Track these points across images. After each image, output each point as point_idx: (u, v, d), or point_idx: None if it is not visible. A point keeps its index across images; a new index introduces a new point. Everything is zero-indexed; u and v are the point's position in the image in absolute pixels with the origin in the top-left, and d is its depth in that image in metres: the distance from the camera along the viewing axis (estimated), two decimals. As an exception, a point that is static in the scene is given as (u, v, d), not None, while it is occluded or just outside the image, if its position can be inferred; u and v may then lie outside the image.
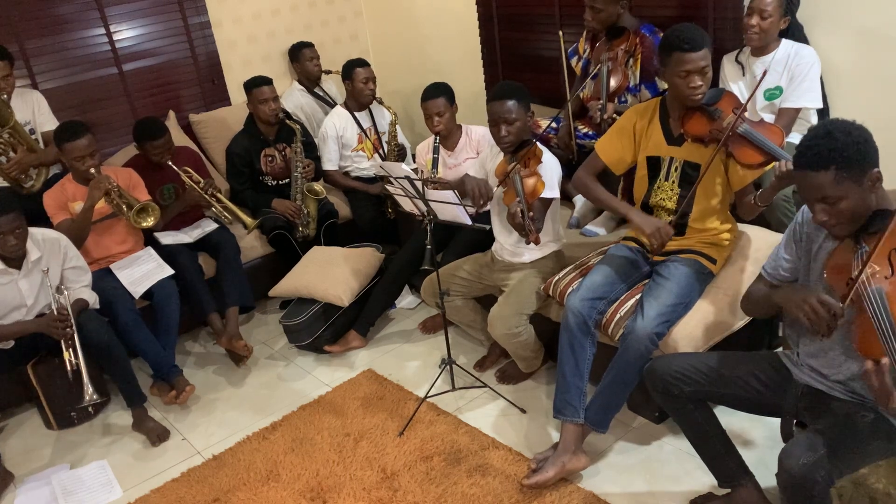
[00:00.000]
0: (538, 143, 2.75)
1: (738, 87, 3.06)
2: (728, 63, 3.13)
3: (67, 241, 3.07)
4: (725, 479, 2.26)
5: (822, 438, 1.81)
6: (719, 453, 2.23)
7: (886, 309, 1.70)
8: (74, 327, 2.90)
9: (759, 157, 2.39)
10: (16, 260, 2.91)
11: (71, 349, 2.88)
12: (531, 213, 2.54)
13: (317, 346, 3.51)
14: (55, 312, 2.90)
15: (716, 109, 2.43)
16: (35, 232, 2.98)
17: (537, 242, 2.59)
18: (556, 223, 2.97)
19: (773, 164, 2.35)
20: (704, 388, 2.14)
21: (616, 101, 3.28)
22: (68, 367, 2.87)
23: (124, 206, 3.33)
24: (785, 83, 2.93)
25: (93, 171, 3.24)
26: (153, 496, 2.76)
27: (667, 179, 2.59)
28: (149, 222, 3.36)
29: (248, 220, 3.69)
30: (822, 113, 3.04)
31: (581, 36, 3.52)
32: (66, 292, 2.98)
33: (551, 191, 2.74)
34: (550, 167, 2.78)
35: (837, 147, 1.73)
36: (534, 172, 2.66)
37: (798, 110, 2.94)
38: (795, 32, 2.98)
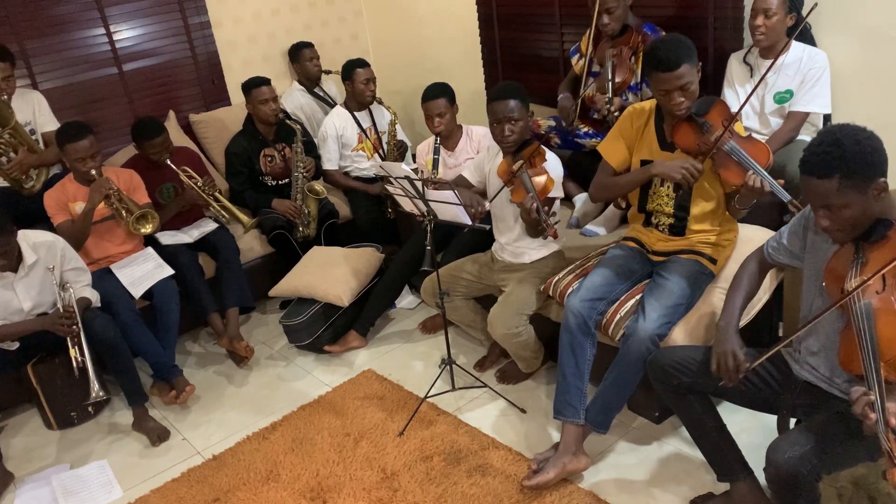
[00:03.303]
0: (540, 143, 2.76)
1: (744, 90, 3.04)
2: (735, 63, 3.09)
3: (64, 243, 3.07)
4: (724, 473, 2.26)
5: (811, 434, 1.82)
6: (718, 447, 2.24)
7: (871, 327, 1.70)
8: (80, 324, 2.90)
9: (743, 177, 2.35)
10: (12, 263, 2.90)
11: (77, 346, 2.89)
12: (546, 208, 2.55)
13: (317, 346, 3.51)
14: (61, 310, 2.91)
15: (705, 122, 2.41)
16: (31, 235, 2.97)
17: (555, 236, 2.59)
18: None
19: (749, 174, 2.30)
20: (704, 379, 2.15)
21: (620, 97, 3.28)
22: (74, 365, 2.88)
23: (123, 212, 3.32)
24: (795, 86, 2.92)
25: (93, 172, 3.24)
26: (153, 496, 2.76)
27: (662, 185, 2.59)
28: (147, 229, 3.36)
29: (245, 219, 3.70)
30: (827, 115, 3.03)
31: (583, 35, 3.51)
32: (71, 290, 2.98)
33: (556, 190, 2.75)
34: (554, 166, 2.78)
35: (845, 156, 1.71)
36: (542, 170, 2.67)
37: (807, 114, 2.93)
38: (804, 32, 2.96)
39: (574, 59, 3.54)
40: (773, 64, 2.63)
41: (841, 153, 1.72)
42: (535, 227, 2.57)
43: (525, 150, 2.73)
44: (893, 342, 1.70)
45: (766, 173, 2.29)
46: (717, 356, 2.06)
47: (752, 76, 3.02)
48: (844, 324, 1.80)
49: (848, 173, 1.72)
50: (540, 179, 2.64)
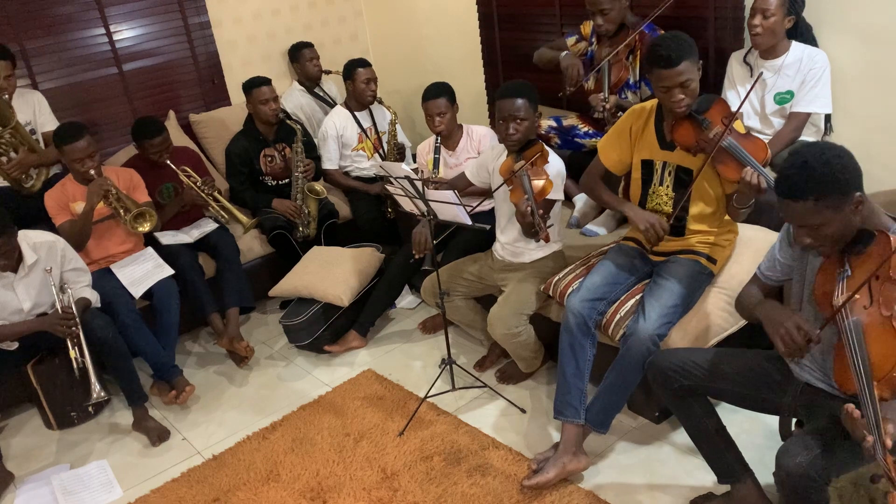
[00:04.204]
0: (544, 144, 2.76)
1: (745, 90, 3.04)
2: (735, 63, 3.09)
3: (64, 243, 3.07)
4: (724, 474, 2.26)
5: (818, 437, 1.82)
6: (718, 448, 2.24)
7: (862, 345, 1.68)
8: (79, 325, 2.90)
9: (741, 172, 2.38)
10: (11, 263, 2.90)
11: (77, 347, 2.89)
12: (541, 212, 2.55)
13: (317, 346, 3.51)
14: (59, 311, 2.91)
15: (704, 119, 2.41)
16: (31, 235, 2.97)
17: (547, 240, 2.61)
18: (557, 223, 2.97)
19: (746, 169, 2.30)
20: (704, 382, 2.15)
21: (617, 95, 3.29)
22: (74, 366, 2.89)
23: (122, 210, 3.32)
24: (796, 87, 2.92)
25: (92, 172, 3.23)
26: (153, 496, 2.76)
27: (661, 184, 2.59)
28: (145, 228, 3.36)
29: (245, 219, 3.69)
30: (825, 114, 3.03)
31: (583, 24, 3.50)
32: (69, 291, 2.98)
33: (557, 192, 2.75)
34: (556, 168, 2.78)
35: (814, 178, 1.71)
36: (542, 173, 2.67)
37: (808, 115, 2.93)
38: (804, 33, 2.96)
39: (571, 41, 3.49)
40: (752, 60, 2.63)
41: (811, 175, 1.72)
42: (529, 228, 2.57)
43: (528, 151, 2.74)
44: (885, 360, 1.67)
45: (763, 169, 2.30)
46: (781, 335, 1.84)
47: (751, 76, 3.02)
48: (836, 340, 1.79)
49: (821, 194, 1.72)
50: (539, 182, 2.64)
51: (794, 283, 2.05)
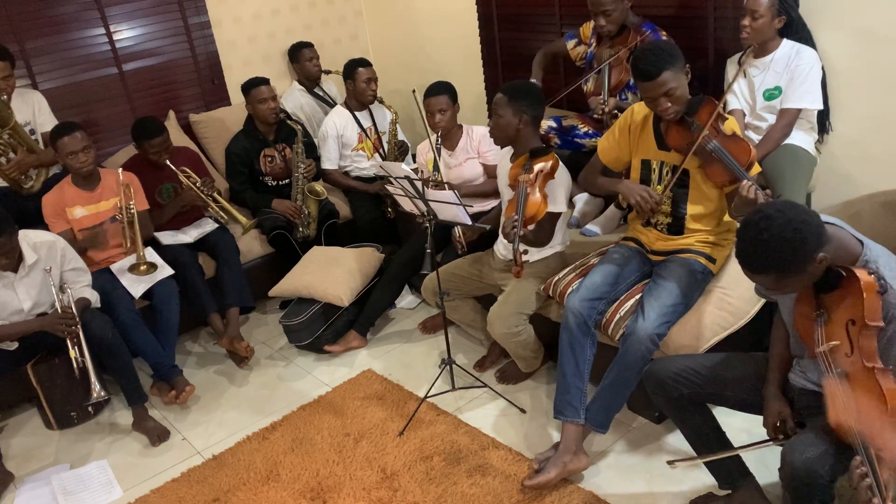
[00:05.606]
0: (556, 161, 2.73)
1: (738, 87, 3.07)
2: (731, 65, 3.12)
3: (64, 243, 3.07)
4: (725, 480, 2.26)
5: (823, 435, 1.81)
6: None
7: (849, 398, 1.67)
8: (79, 325, 2.90)
9: (725, 175, 2.40)
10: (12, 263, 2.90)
11: (77, 347, 2.89)
12: (522, 232, 2.54)
13: (317, 346, 3.51)
14: (59, 311, 2.91)
15: (693, 121, 2.43)
16: (31, 235, 2.97)
17: (518, 276, 2.61)
18: (562, 231, 2.96)
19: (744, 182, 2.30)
20: (703, 389, 2.14)
21: (618, 97, 3.29)
22: (75, 366, 2.89)
23: (128, 239, 3.36)
24: (784, 83, 2.93)
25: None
26: (153, 496, 2.76)
27: (659, 183, 2.60)
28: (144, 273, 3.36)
29: (244, 220, 3.69)
30: (823, 114, 3.04)
31: (583, 25, 3.50)
32: (69, 291, 2.98)
33: (560, 206, 2.76)
34: (560, 183, 2.78)
35: (774, 257, 1.71)
36: (541, 190, 2.66)
37: (798, 111, 2.94)
38: (800, 32, 2.97)
39: (571, 44, 3.51)
40: (743, 59, 2.66)
41: (770, 254, 1.71)
42: (509, 241, 2.57)
43: (537, 160, 2.71)
44: (873, 416, 1.66)
45: (751, 178, 2.30)
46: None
47: (745, 76, 3.04)
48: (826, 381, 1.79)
49: (781, 270, 1.72)
50: (533, 202, 2.61)
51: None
